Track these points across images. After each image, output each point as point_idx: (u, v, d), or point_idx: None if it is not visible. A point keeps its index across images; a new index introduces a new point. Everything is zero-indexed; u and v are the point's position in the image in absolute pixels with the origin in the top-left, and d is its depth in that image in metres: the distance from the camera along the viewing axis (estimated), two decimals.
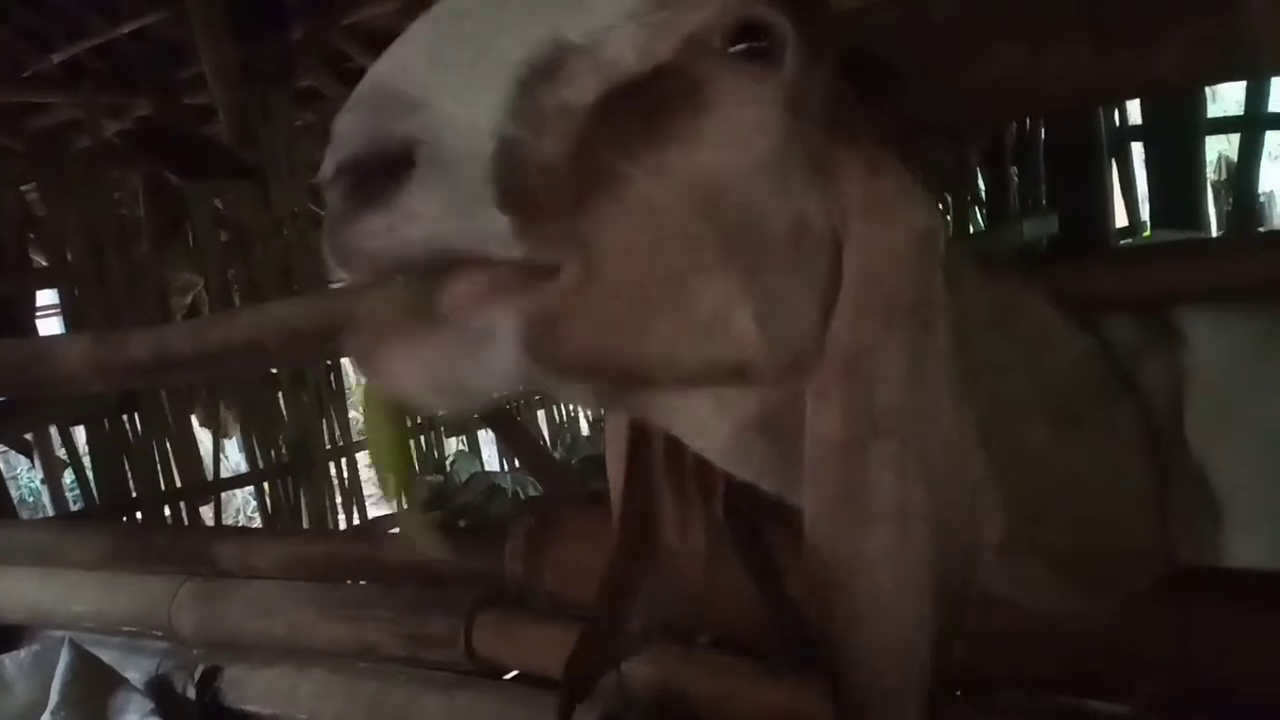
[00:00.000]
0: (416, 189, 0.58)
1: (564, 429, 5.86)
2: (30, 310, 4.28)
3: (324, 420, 4.38)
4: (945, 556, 0.70)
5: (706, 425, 0.76)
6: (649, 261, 0.64)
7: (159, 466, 3.90)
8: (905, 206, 0.70)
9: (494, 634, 1.38)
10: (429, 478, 4.86)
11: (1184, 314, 0.98)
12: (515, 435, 4.17)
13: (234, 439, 4.79)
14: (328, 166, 0.60)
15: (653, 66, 0.64)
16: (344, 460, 4.48)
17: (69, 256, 3.73)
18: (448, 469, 5.07)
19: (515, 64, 0.60)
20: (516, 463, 4.89)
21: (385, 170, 0.58)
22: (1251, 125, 3.78)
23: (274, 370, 4.24)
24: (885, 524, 0.69)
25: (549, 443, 5.57)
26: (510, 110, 0.59)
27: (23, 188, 4.34)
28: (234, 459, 4.76)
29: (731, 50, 0.66)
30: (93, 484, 3.87)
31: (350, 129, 0.59)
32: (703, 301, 0.66)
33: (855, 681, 0.70)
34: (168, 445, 3.96)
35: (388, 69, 0.61)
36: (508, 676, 1.46)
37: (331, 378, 4.47)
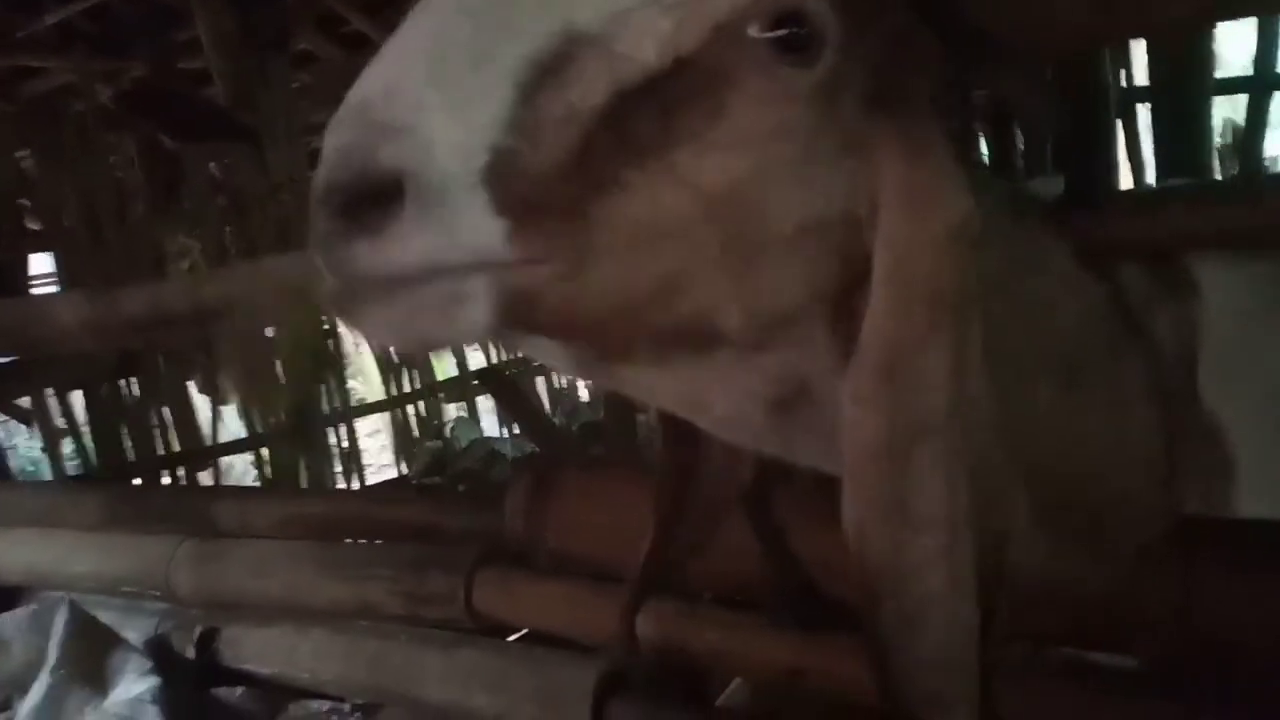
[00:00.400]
0: (406, 220, 0.56)
1: (564, 395, 5.85)
2: (24, 276, 4.24)
3: (323, 386, 4.37)
4: (985, 552, 0.68)
5: (692, 399, 0.73)
6: (640, 261, 0.61)
7: (157, 433, 3.89)
8: (946, 195, 0.65)
9: (495, 591, 1.37)
10: (428, 443, 4.86)
11: (1197, 264, 0.96)
12: (515, 401, 4.16)
13: (233, 406, 4.78)
14: (318, 182, 0.57)
15: (673, 59, 0.59)
16: (343, 426, 4.48)
17: (64, 222, 3.69)
18: (447, 434, 5.06)
19: (517, 63, 0.57)
20: (516, 429, 4.88)
21: (373, 200, 0.56)
22: (1259, 87, 3.73)
23: (273, 336, 4.23)
24: (932, 531, 0.66)
25: (549, 409, 5.56)
26: (506, 121, 0.57)
27: (17, 154, 4.30)
28: (233, 427, 4.75)
29: (764, 37, 0.60)
30: (91, 451, 3.87)
31: (337, 151, 0.57)
32: (689, 296, 0.63)
33: (907, 683, 0.69)
34: (166, 412, 3.95)
35: (377, 83, 0.58)
36: (513, 638, 1.46)
37: (331, 343, 4.45)
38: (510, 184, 0.56)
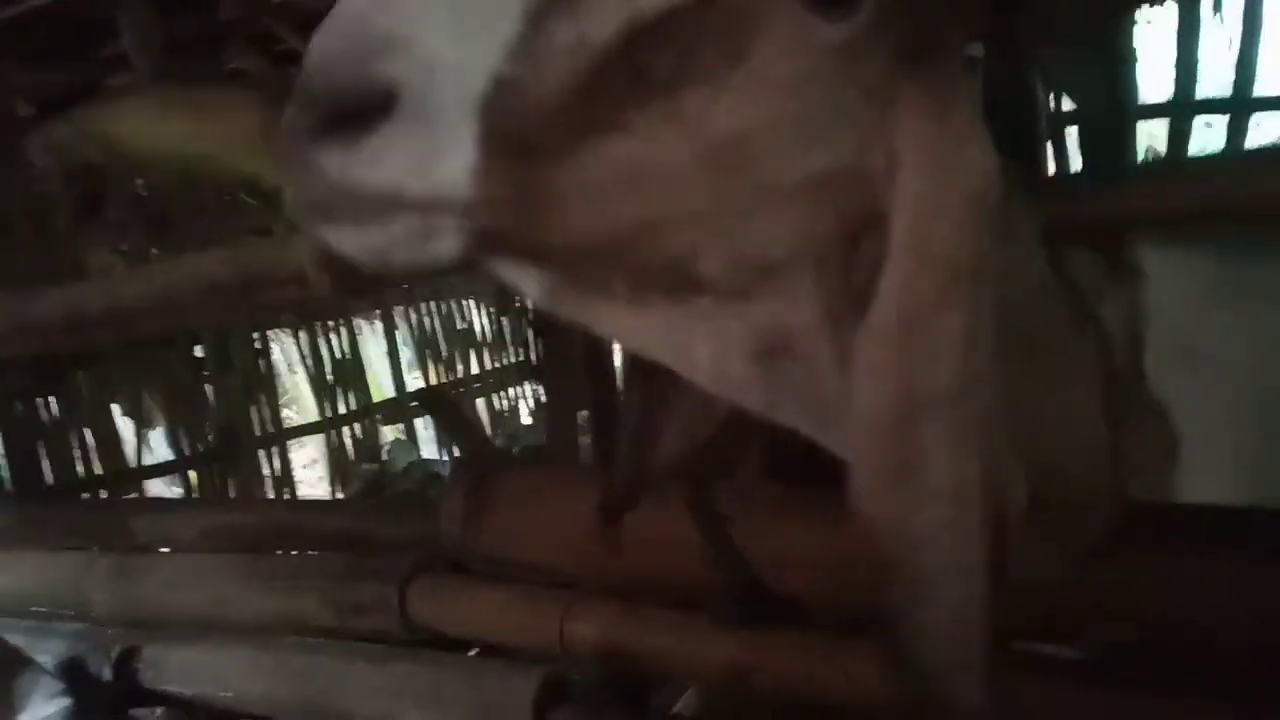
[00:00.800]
0: (387, 136, 0.51)
1: (506, 417, 5.78)
2: None
3: (253, 406, 4.25)
4: (990, 530, 0.67)
5: (670, 344, 0.70)
6: (622, 205, 0.58)
7: (77, 454, 3.74)
8: (971, 157, 0.61)
9: (430, 600, 1.32)
10: (365, 466, 4.75)
11: (1143, 253, 0.97)
12: (455, 423, 4.09)
13: (159, 430, 4.63)
14: (300, 84, 0.53)
15: None
16: (274, 448, 4.35)
17: None
18: (384, 457, 4.96)
19: None
20: (456, 451, 4.80)
21: (356, 111, 0.51)
22: (1180, 111, 3.85)
23: (200, 355, 4.11)
24: (941, 503, 0.64)
25: (490, 431, 5.48)
26: (513, 47, 0.52)
27: None
28: (160, 452, 4.58)
29: None
30: (4, 474, 3.69)
31: (326, 55, 0.52)
32: (670, 242, 0.60)
33: (917, 659, 0.66)
34: (87, 434, 3.80)
35: None
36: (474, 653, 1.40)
37: (261, 362, 4.34)
38: (505, 117, 0.52)
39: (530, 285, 0.64)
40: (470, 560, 1.29)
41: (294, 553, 1.52)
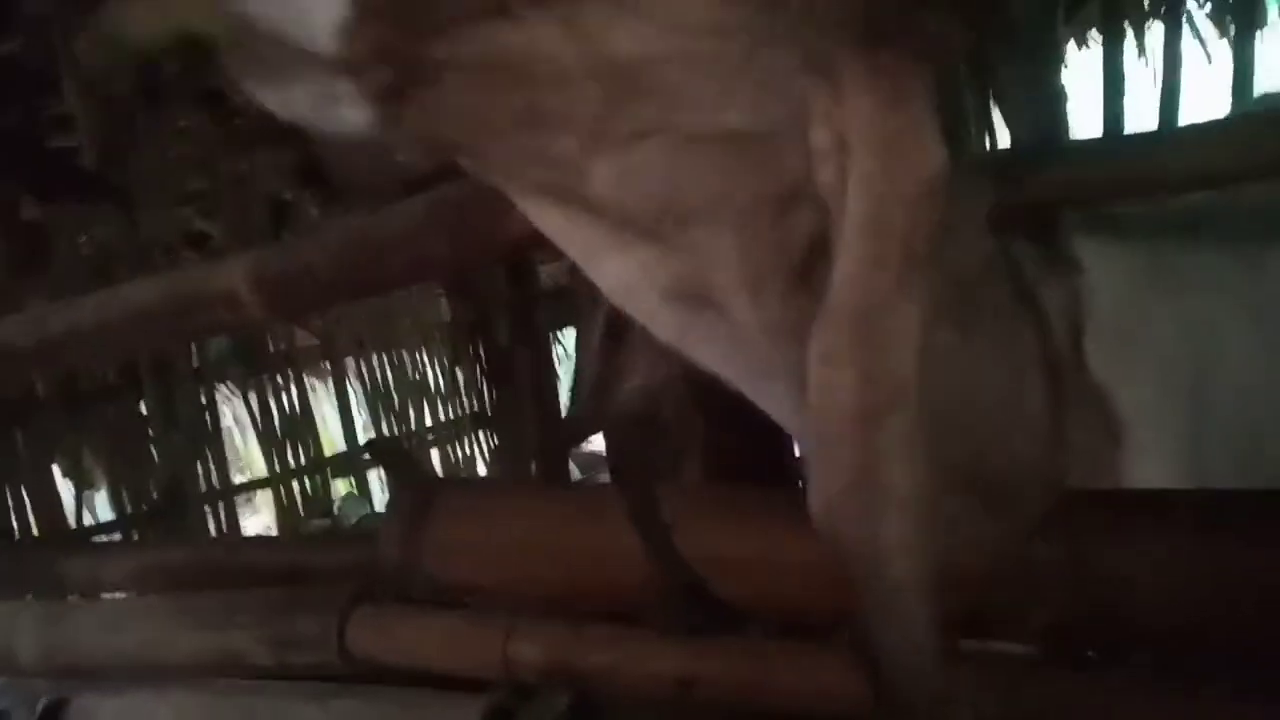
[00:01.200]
0: None
1: (460, 469, 5.71)
2: None
3: (199, 462, 4.15)
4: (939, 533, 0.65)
5: (586, 252, 0.68)
6: (505, 98, 0.56)
7: (13, 515, 3.61)
8: (926, 145, 0.59)
9: (371, 631, 1.27)
10: (315, 521, 4.65)
11: (1078, 243, 0.98)
12: (409, 475, 4.02)
13: (100, 490, 4.50)
14: None
15: None
16: (221, 504, 4.25)
17: None
18: (335, 512, 4.86)
19: None
20: None
21: None
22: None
23: (145, 412, 4.02)
24: (901, 511, 0.62)
25: None
26: None
27: None
28: (102, 513, 4.45)
29: None
30: None
31: None
32: (554, 149, 0.59)
33: (889, 675, 0.66)
34: (24, 493, 3.68)
35: None
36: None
37: (207, 416, 4.25)
38: None
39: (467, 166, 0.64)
40: (412, 586, 1.26)
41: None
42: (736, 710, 1.01)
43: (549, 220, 0.67)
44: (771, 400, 0.74)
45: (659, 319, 0.69)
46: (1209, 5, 3.04)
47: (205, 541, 2.32)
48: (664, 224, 0.63)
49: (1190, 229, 1.03)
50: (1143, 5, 2.85)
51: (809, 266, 0.63)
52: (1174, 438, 0.95)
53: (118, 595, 1.63)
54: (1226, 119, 0.93)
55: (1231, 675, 0.80)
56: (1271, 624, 0.80)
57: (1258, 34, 1.72)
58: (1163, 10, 2.66)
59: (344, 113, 0.55)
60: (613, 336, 0.86)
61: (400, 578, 1.25)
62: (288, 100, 0.56)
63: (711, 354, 0.70)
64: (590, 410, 0.87)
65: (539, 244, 1.08)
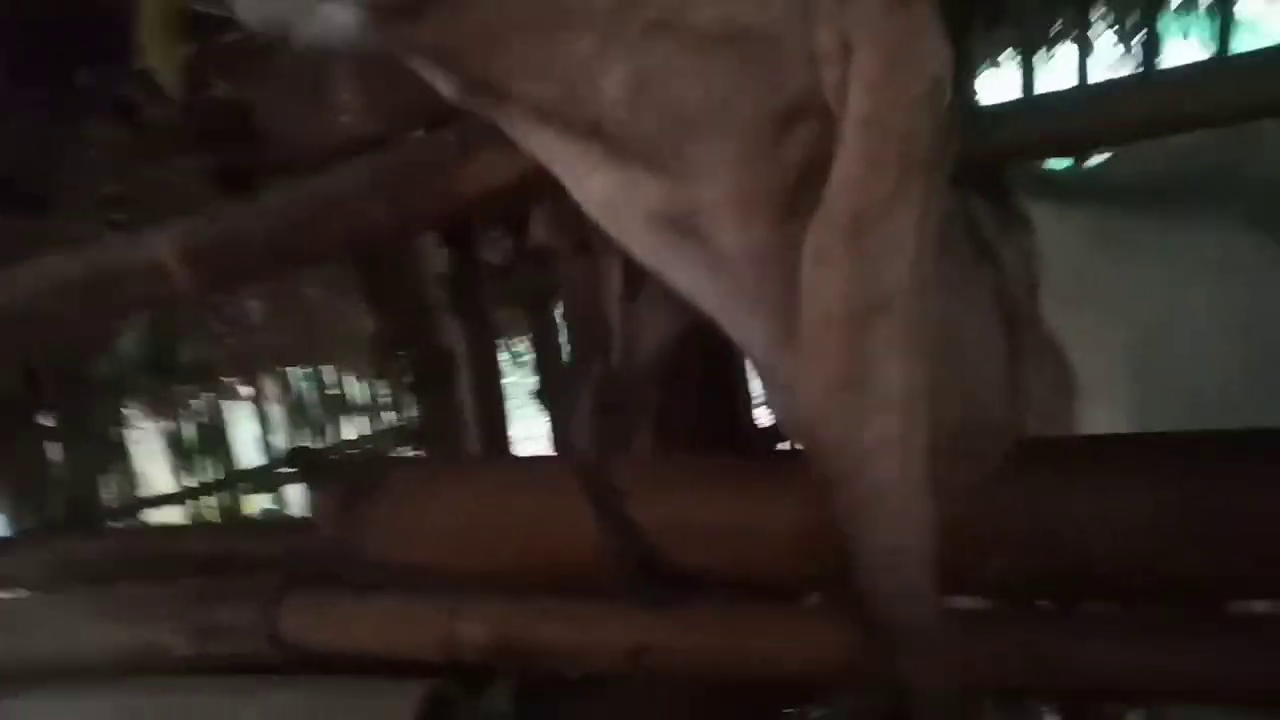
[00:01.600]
0: None
1: None
2: None
3: (106, 474, 3.96)
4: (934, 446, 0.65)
5: (571, 173, 0.67)
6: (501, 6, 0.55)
7: None
8: (928, 48, 0.60)
9: (306, 616, 1.21)
10: None
11: (1029, 204, 1.00)
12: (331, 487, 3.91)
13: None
14: None
15: None
16: (129, 520, 4.06)
17: None
18: None
19: None
20: None
21: None
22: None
23: (50, 424, 3.83)
24: (889, 411, 0.63)
25: None
26: None
27: None
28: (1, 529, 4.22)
29: None
30: None
31: None
32: (566, 52, 0.57)
33: (866, 579, 0.66)
34: None
35: None
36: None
37: (114, 430, 4.06)
38: None
39: (444, 88, 0.62)
40: (347, 570, 1.20)
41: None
42: (694, 678, 1.00)
43: (540, 141, 0.66)
44: (746, 332, 0.73)
45: (640, 241, 0.68)
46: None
47: (119, 533, 2.20)
48: (665, 139, 0.62)
49: (1131, 194, 1.07)
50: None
51: (801, 192, 0.63)
52: (1121, 388, 0.97)
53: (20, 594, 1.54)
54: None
55: (1183, 612, 0.82)
56: (1217, 557, 0.82)
57: None
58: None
59: (333, 19, 0.52)
60: (629, 292, 0.85)
61: (337, 561, 1.20)
62: (267, 6, 0.54)
63: (690, 280, 0.69)
64: (618, 366, 0.85)
65: (484, 205, 1.06)
